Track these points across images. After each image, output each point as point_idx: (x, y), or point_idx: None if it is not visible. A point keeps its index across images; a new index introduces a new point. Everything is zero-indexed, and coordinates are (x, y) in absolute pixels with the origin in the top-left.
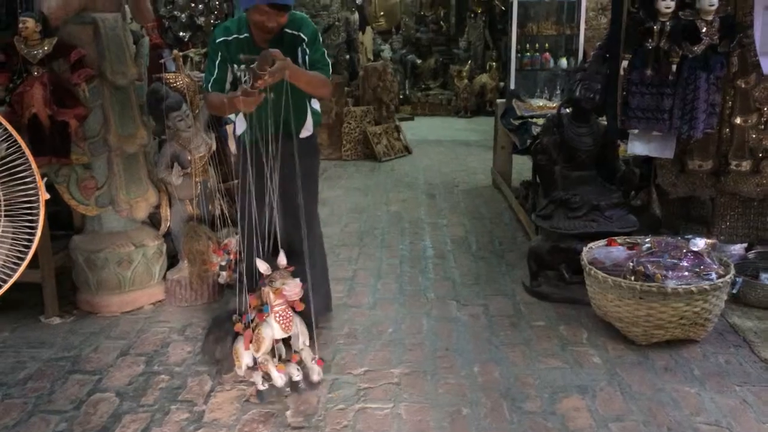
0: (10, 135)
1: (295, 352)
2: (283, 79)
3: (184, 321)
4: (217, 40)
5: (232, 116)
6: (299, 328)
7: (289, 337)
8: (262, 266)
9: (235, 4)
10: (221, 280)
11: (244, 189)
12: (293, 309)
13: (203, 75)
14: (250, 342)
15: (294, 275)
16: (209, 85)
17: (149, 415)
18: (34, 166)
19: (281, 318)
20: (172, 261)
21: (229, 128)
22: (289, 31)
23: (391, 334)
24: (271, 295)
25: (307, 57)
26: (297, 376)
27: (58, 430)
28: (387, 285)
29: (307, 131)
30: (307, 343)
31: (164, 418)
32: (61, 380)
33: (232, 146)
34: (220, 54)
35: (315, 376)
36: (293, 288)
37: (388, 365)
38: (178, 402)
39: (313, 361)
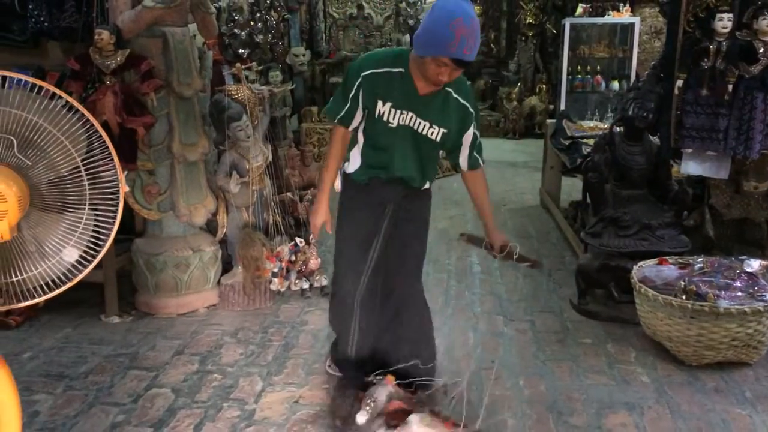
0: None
1: None
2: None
3: (236, 325)
4: (364, 72)
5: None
6: None
7: None
8: (361, 419)
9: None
10: (273, 287)
11: (346, 233)
12: None
13: (263, 88)
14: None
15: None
16: (336, 118)
17: (203, 411)
18: (116, 159)
19: None
20: (226, 267)
21: None
22: (455, 95)
23: (437, 346)
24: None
25: (469, 137)
26: None
27: (117, 422)
28: (434, 298)
29: (424, 184)
30: None
31: (217, 415)
32: (120, 375)
33: (337, 183)
34: (360, 87)
35: None
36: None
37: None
38: (230, 400)
39: None
